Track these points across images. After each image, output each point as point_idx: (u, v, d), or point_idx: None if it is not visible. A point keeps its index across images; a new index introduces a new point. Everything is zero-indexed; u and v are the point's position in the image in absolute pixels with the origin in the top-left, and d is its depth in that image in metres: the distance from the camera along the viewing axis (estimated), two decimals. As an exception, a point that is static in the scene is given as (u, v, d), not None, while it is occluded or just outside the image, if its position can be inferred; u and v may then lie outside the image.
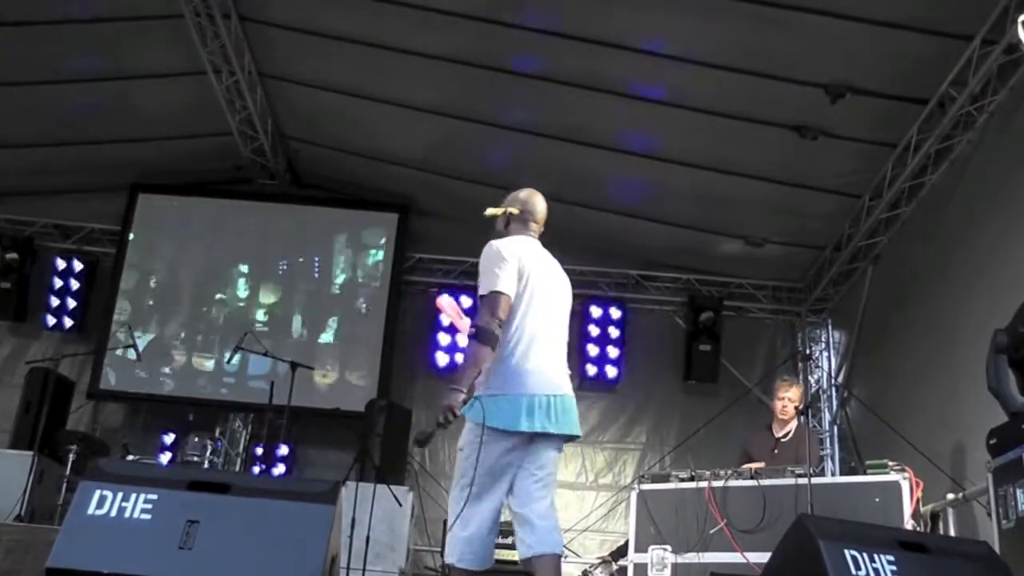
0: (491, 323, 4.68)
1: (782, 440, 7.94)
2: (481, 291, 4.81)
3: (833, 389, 11.76)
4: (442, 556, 8.65)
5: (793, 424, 7.98)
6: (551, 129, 10.23)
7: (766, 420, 8.37)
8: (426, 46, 9.54)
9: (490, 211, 5.29)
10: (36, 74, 10.57)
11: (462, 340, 10.84)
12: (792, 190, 9.99)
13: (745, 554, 6.70)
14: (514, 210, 5.21)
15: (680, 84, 9.12)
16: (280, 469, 10.83)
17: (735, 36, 8.29)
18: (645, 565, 7.29)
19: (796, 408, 7.98)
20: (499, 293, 4.74)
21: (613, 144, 10.19)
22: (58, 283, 12.39)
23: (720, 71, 8.64)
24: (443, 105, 10.35)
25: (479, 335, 4.67)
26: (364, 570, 8.44)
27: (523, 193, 5.30)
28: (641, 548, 7.35)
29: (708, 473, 7.16)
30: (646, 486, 7.48)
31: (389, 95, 10.41)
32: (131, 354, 10.99)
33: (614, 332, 11.97)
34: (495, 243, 4.96)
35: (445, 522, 9.38)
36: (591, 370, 11.82)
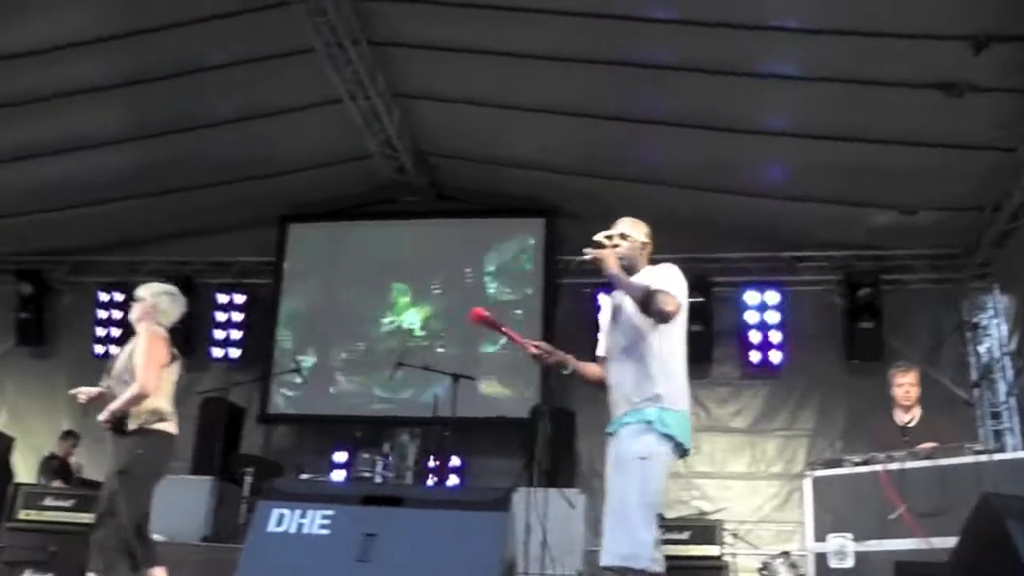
0: (671, 305, 4.91)
1: (909, 426, 7.68)
2: (663, 288, 4.98)
3: (1007, 358, 11.08)
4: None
5: (917, 409, 7.72)
6: (688, 118, 10.09)
7: (936, 395, 8.09)
8: (555, 49, 9.56)
9: (634, 232, 5.43)
10: (182, 122, 11.06)
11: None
12: (942, 152, 9.51)
13: (929, 540, 6.46)
14: (648, 242, 5.43)
15: (814, 56, 8.88)
16: (452, 480, 10.94)
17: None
18: (825, 555, 7.13)
19: (919, 392, 7.72)
20: (679, 304, 4.98)
21: (753, 126, 9.99)
22: (221, 316, 12.86)
23: (853, 37, 8.37)
24: (578, 106, 10.35)
25: (666, 301, 4.91)
26: (542, 574, 8.49)
27: (646, 227, 5.48)
28: (819, 537, 7.18)
29: (882, 456, 6.93)
30: (819, 472, 7.28)
31: (523, 102, 10.46)
32: (296, 378, 11.32)
33: (773, 317, 11.63)
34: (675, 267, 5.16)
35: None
36: (755, 357, 11.60)
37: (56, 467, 11.13)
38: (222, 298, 12.94)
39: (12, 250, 13.67)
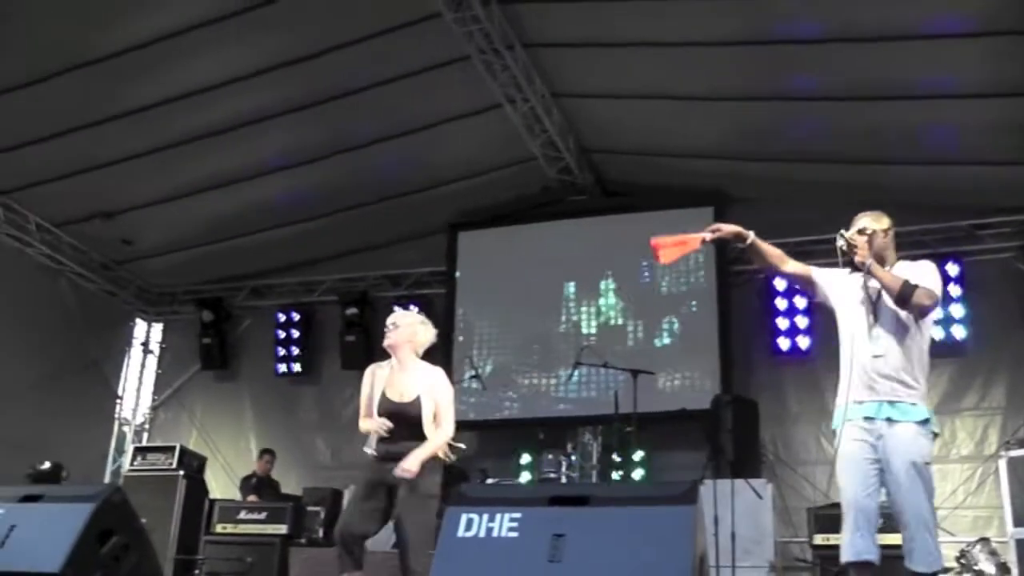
0: (929, 300, 5.05)
1: None
2: (928, 285, 5.08)
3: None
4: (808, 547, 8.48)
5: None
6: (849, 90, 9.78)
7: None
8: (708, 35, 9.44)
9: (877, 225, 5.34)
10: (347, 142, 11.45)
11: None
12: None
13: None
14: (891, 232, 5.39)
15: (976, 10, 8.45)
16: (637, 476, 10.92)
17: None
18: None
19: None
20: (937, 300, 5.16)
21: (916, 91, 9.58)
22: (394, 327, 13.06)
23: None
24: (736, 89, 10.20)
25: (925, 296, 5.02)
26: (733, 567, 8.40)
27: (888, 218, 5.42)
28: (1019, 522, 6.89)
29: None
30: (1015, 452, 7.02)
31: (682, 90, 10.36)
32: (476, 384, 11.45)
33: (955, 290, 10.96)
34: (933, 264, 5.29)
35: (809, 510, 9.24)
36: (937, 334, 11.04)
37: (255, 484, 11.53)
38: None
39: (193, 280, 14.32)
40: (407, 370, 6.51)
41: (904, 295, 4.98)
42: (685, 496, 4.57)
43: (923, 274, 5.13)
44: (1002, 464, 6.97)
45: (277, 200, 12.31)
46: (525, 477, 11.17)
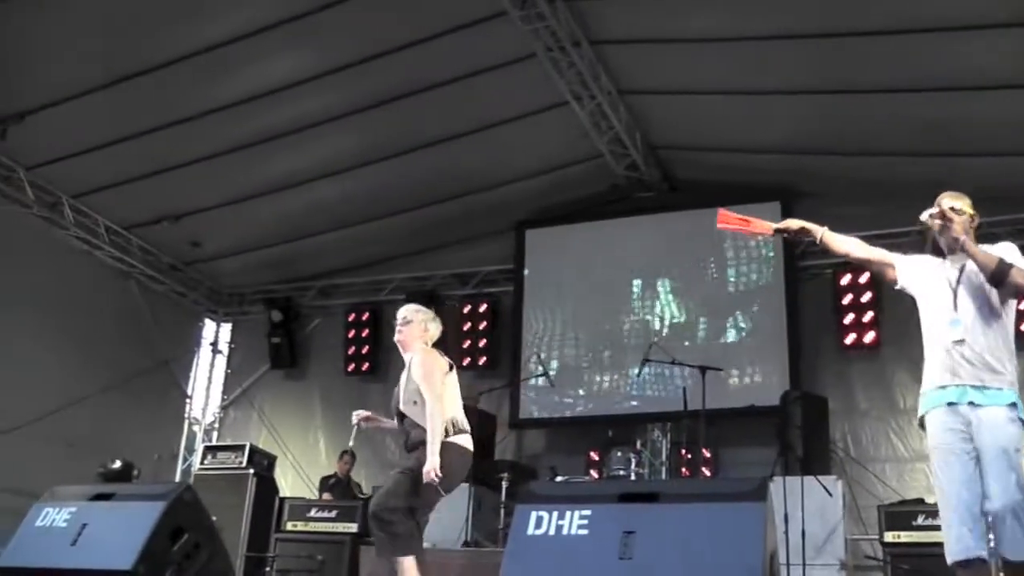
0: None
1: None
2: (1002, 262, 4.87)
3: None
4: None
5: None
6: (917, 82, 9.65)
7: None
8: (776, 28, 9.35)
9: (964, 206, 5.17)
10: (422, 141, 11.47)
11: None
12: None
13: None
14: (976, 216, 5.21)
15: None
16: (706, 473, 10.85)
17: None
18: None
19: None
20: None
21: (985, 82, 9.44)
22: (467, 327, 13.11)
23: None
24: (806, 83, 10.09)
25: (1011, 269, 4.82)
26: (804, 565, 8.31)
27: (969, 200, 5.25)
28: None
29: None
30: None
31: (749, 85, 10.28)
32: (544, 382, 11.43)
33: None
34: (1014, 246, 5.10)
35: (879, 508, 9.11)
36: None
37: (334, 484, 11.60)
38: (466, 308, 13.22)
39: (261, 280, 14.46)
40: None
41: (1000, 273, 4.80)
42: (755, 493, 4.53)
43: (1010, 254, 4.95)
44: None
45: (344, 200, 12.38)
46: (594, 475, 11.15)
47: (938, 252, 5.14)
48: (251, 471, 11.04)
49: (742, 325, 11.90)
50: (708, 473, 10.94)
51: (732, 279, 12.10)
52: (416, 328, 6.60)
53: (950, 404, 4.81)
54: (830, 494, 8.85)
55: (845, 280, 11.49)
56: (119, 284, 13.16)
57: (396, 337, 6.64)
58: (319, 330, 14.58)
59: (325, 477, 11.94)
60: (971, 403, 4.75)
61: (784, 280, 11.75)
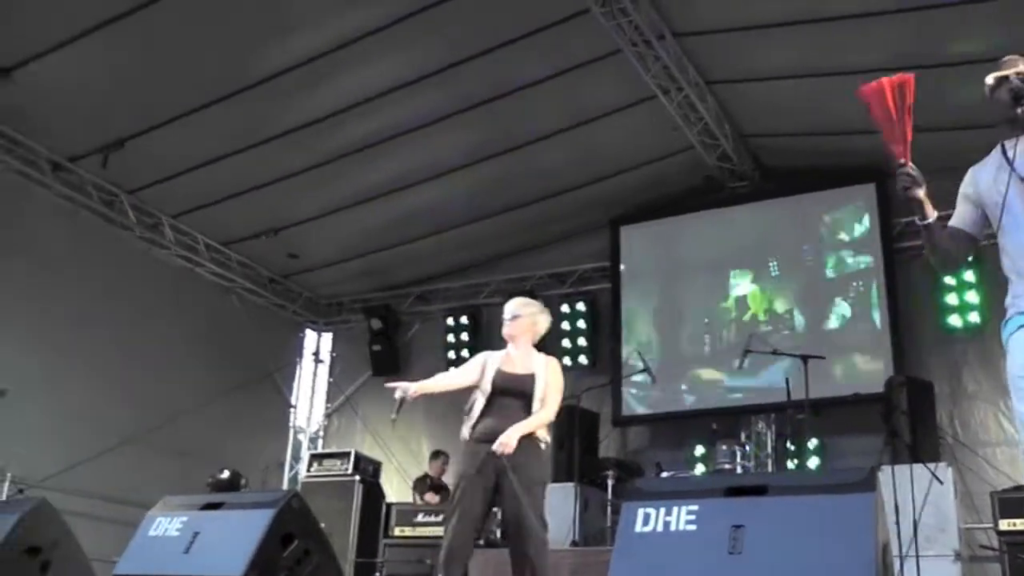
0: None
1: None
2: None
3: None
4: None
5: None
6: (1012, 51, 9.41)
7: None
8: (864, 5, 9.21)
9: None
10: (508, 142, 11.54)
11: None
12: None
13: None
14: None
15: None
16: (813, 463, 10.73)
17: None
18: None
19: None
20: None
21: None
22: (566, 326, 13.10)
23: None
24: (894, 59, 9.87)
25: None
26: (917, 556, 8.14)
27: None
28: None
29: None
30: None
31: (838, 66, 10.08)
32: (645, 378, 11.39)
33: (970, 276, 10.91)
34: None
35: (992, 495, 8.85)
36: (954, 321, 11.00)
37: (429, 485, 11.67)
38: (564, 308, 13.20)
39: (359, 289, 14.66)
40: (523, 355, 6.47)
41: None
42: (865, 483, 4.46)
43: None
44: None
45: (439, 205, 12.50)
46: (700, 469, 11.09)
47: (1013, 131, 4.24)
48: (357, 477, 11.19)
49: (842, 311, 11.73)
50: (815, 464, 10.82)
51: (830, 265, 11.94)
52: (526, 322, 6.53)
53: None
54: (940, 482, 8.67)
55: (950, 260, 11.24)
56: (221, 299, 13.46)
57: (504, 331, 6.57)
58: (419, 336, 14.73)
59: (420, 478, 11.96)
60: None
61: (883, 263, 11.55)
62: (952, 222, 4.36)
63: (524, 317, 6.55)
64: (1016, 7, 8.79)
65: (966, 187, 4.41)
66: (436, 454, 12.01)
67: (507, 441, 5.93)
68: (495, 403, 6.25)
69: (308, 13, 9.26)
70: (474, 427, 6.25)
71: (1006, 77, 4.22)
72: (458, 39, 9.78)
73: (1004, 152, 4.22)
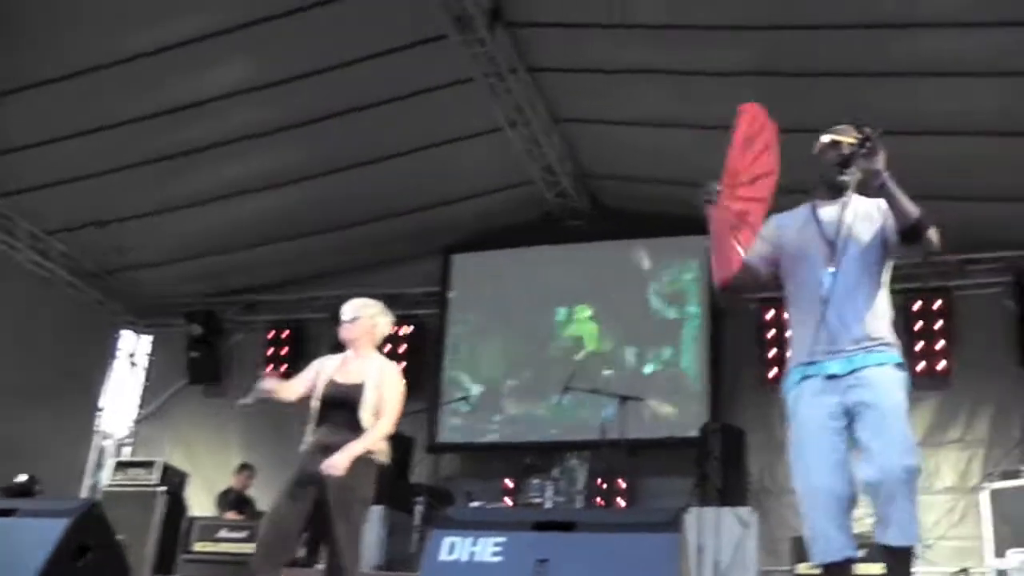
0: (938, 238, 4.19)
1: None
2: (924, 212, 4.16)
3: None
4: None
5: None
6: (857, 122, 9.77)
7: None
8: (719, 64, 9.46)
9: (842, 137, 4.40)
10: (349, 159, 11.41)
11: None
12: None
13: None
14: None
15: (974, 47, 8.51)
16: (622, 503, 10.87)
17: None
18: (1006, 571, 6.83)
19: None
20: None
21: (912, 126, 9.66)
22: (388, 349, 12.96)
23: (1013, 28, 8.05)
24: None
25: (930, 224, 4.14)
26: (716, 596, 8.35)
27: None
28: (999, 553, 6.90)
29: (1063, 465, 6.57)
30: (997, 484, 7.01)
31: (685, 119, 10.35)
32: (464, 406, 11.39)
33: (939, 323, 11.22)
34: None
35: (792, 539, 9.18)
36: (921, 366, 11.07)
37: (232, 500, 11.38)
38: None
39: (185, 292, 14.21)
40: (360, 358, 6.25)
41: (923, 223, 4.12)
42: (671, 524, 4.53)
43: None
44: (984, 496, 7.01)
45: (274, 215, 12.24)
46: (510, 501, 11.12)
47: (829, 192, 4.50)
48: (161, 489, 10.79)
49: (665, 356, 11.97)
50: (625, 503, 10.97)
51: (656, 309, 12.18)
52: (365, 324, 6.32)
53: (830, 377, 4.24)
54: (745, 525, 8.91)
55: (769, 315, 11.61)
56: (37, 289, 12.81)
57: (341, 334, 6.33)
58: (240, 346, 14.34)
59: (224, 492, 11.64)
60: (853, 371, 4.20)
61: (709, 313, 11.85)
62: (747, 256, 4.56)
63: (363, 319, 6.32)
64: (842, 84, 9.12)
65: (768, 230, 4.62)
66: (242, 467, 11.75)
67: (337, 464, 5.75)
68: (326, 415, 6.09)
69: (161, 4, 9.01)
70: (308, 439, 6.10)
71: (839, 142, 4.38)
72: (311, 49, 9.63)
73: (814, 211, 4.52)
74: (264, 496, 11.64)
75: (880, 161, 4.16)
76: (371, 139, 11.01)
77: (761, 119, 4.63)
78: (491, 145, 11.14)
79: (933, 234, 4.17)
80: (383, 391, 6.10)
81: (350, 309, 6.40)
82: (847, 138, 4.34)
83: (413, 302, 13.41)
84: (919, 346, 11.21)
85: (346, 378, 6.12)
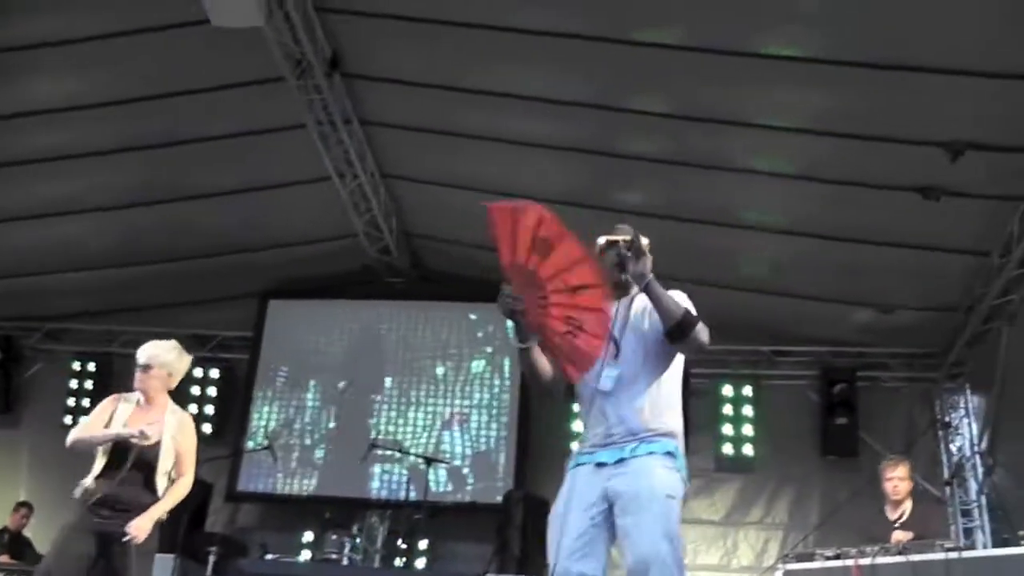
0: (707, 336, 4.32)
1: (900, 522, 7.59)
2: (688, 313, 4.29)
3: (977, 457, 11.06)
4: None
5: (908, 504, 7.69)
6: (676, 211, 10.09)
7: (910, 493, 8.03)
8: (547, 137, 9.67)
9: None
10: (171, 193, 11.10)
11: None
12: (920, 253, 9.61)
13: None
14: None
15: (800, 155, 9.03)
16: (420, 564, 10.83)
17: (850, 102, 8.18)
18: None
19: (909, 486, 7.74)
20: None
21: (738, 221, 10.10)
22: (196, 390, 12.72)
23: (837, 139, 8.53)
24: (567, 193, 10.30)
25: (698, 323, 4.27)
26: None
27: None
28: (791, 634, 7.11)
29: (854, 551, 6.88)
30: (791, 566, 7.23)
31: (511, 187, 10.43)
32: (267, 455, 11.19)
33: (748, 410, 11.61)
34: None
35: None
36: (728, 450, 11.52)
37: (7, 541, 10.84)
38: (198, 371, 12.72)
39: (-11, 314, 13.55)
40: (155, 408, 6.06)
41: (687, 323, 4.25)
42: (466, 588, 4.55)
43: (687, 303, 4.44)
44: (778, 576, 7.25)
45: (89, 241, 11.82)
46: (306, 556, 10.96)
47: (615, 291, 4.52)
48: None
49: (476, 421, 12.01)
50: (423, 565, 10.93)
51: (467, 373, 12.24)
52: (160, 373, 6.09)
53: (599, 464, 4.45)
54: (540, 595, 8.99)
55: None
56: None
57: (136, 383, 6.06)
58: (40, 376, 13.70)
59: None
60: (619, 460, 4.37)
61: (520, 382, 11.86)
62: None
63: (155, 369, 6.09)
64: (678, 172, 9.47)
65: None
66: (19, 505, 11.23)
67: (142, 527, 5.65)
68: (118, 465, 5.79)
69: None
70: (89, 490, 5.78)
71: (616, 243, 4.42)
72: (142, 74, 9.37)
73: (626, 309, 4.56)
74: (44, 536, 11.15)
75: (645, 263, 4.27)
76: (198, 173, 10.82)
77: (554, 225, 4.32)
78: (319, 193, 11.03)
79: (701, 332, 4.29)
80: (180, 447, 5.99)
81: (143, 355, 6.16)
82: (621, 237, 4.40)
83: (226, 345, 13.24)
84: (726, 429, 11.59)
85: (141, 431, 5.79)
